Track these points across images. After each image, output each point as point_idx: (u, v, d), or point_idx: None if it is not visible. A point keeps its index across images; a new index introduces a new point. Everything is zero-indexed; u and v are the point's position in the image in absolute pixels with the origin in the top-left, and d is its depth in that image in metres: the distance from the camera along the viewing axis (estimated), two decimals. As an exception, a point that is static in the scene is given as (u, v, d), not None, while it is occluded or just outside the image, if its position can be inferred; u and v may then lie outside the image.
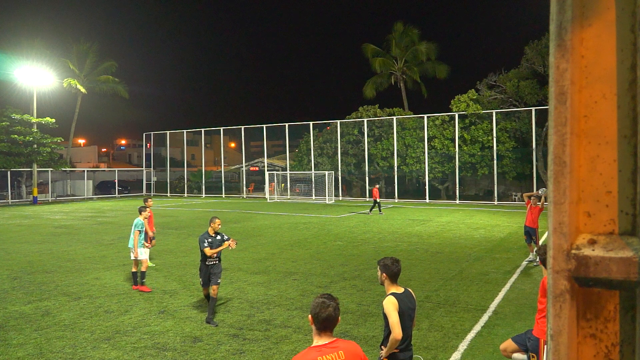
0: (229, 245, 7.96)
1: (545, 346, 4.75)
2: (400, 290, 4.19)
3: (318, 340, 2.94)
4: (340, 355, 2.87)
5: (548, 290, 0.74)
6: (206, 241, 7.79)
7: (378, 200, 24.81)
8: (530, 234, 12.26)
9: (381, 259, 4.36)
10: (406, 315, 4.09)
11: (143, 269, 9.68)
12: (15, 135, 35.84)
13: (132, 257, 9.75)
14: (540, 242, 12.77)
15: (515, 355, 5.38)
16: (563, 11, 0.73)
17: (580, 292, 0.73)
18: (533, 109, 31.32)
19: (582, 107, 0.74)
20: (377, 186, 25.83)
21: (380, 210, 25.02)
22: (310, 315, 3.00)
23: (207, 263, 7.87)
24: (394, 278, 4.22)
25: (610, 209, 0.73)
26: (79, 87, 44.88)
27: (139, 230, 9.84)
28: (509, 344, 5.49)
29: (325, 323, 2.93)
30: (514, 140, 32.67)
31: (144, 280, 9.67)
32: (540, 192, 12.72)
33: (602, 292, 0.73)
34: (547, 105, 30.61)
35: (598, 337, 0.74)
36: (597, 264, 0.70)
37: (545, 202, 12.60)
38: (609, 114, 0.72)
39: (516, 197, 32.04)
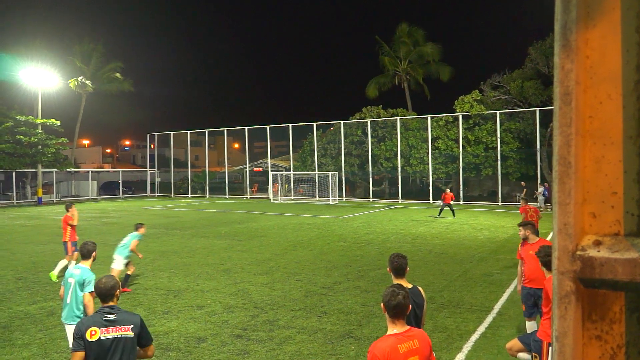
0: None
1: (550, 348, 4.73)
2: (408, 286, 4.21)
3: (393, 328, 3.15)
4: (415, 343, 3.11)
5: (553, 292, 0.74)
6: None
7: (450, 203, 23.27)
8: None
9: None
10: (410, 310, 4.10)
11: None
12: (20, 136, 36.02)
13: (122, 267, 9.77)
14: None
15: (520, 354, 5.38)
16: (568, 11, 0.73)
17: (586, 293, 0.73)
18: (537, 109, 31.24)
19: (587, 108, 0.74)
20: (449, 189, 24.34)
21: (453, 214, 23.29)
22: (382, 304, 3.22)
23: None
24: (397, 272, 4.26)
25: (615, 210, 0.72)
26: (86, 82, 45.03)
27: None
28: (514, 342, 5.49)
29: (396, 310, 3.13)
30: (518, 141, 32.58)
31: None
32: (520, 195, 13.12)
33: (607, 294, 0.73)
34: (551, 106, 30.47)
35: (603, 338, 0.73)
36: (603, 265, 0.70)
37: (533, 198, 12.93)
38: (614, 114, 0.72)
39: (520, 198, 31.93)
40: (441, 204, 23.58)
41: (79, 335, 3.69)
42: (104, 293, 3.94)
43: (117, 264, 9.76)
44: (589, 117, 0.74)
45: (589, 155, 0.74)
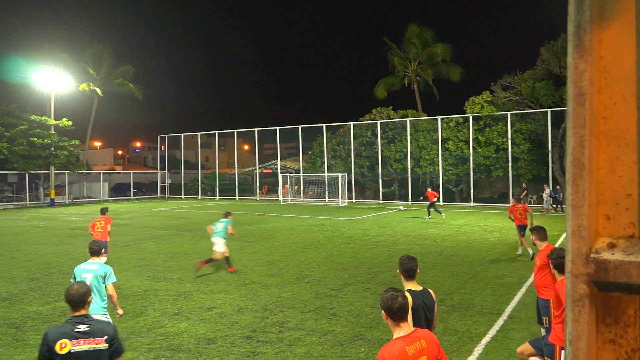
0: None
1: (563, 351, 4.68)
2: (419, 288, 4.20)
3: (399, 331, 3.15)
4: (422, 343, 3.11)
5: (567, 295, 0.73)
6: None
7: (433, 201, 23.19)
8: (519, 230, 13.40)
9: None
10: (420, 312, 4.09)
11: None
12: (34, 138, 36.48)
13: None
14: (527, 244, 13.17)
15: (532, 359, 5.32)
16: (581, 11, 0.72)
17: (600, 296, 0.72)
18: (549, 110, 30.98)
19: (601, 109, 0.73)
20: (431, 187, 24.43)
21: (429, 214, 23.51)
22: (383, 312, 3.22)
23: None
24: (407, 274, 4.25)
25: (630, 212, 0.71)
26: (96, 89, 45.59)
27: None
28: (525, 347, 5.44)
29: (400, 313, 3.15)
30: (529, 142, 32.31)
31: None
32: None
33: (621, 297, 0.72)
34: (562, 107, 30.26)
35: (618, 342, 0.72)
36: (617, 268, 0.69)
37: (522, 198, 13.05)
38: (629, 115, 0.71)
39: (531, 200, 31.66)
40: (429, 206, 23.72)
41: (47, 347, 3.39)
42: (76, 300, 3.61)
43: (220, 247, 11.37)
44: (603, 118, 0.73)
45: (603, 156, 0.73)
